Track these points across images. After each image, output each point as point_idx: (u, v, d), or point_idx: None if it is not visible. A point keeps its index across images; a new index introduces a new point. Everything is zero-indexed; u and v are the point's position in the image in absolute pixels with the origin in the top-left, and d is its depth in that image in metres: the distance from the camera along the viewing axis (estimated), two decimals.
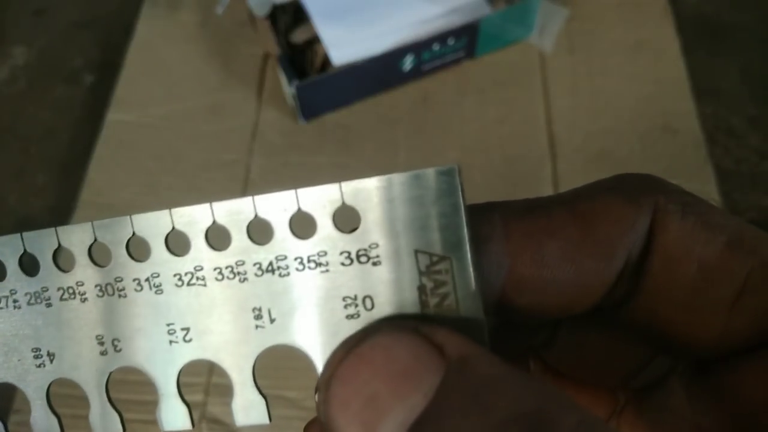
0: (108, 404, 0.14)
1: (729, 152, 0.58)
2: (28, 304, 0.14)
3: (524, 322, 0.15)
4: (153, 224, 0.13)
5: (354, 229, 0.12)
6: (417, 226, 0.12)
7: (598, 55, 0.61)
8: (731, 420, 0.13)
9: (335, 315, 0.13)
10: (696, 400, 0.14)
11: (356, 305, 0.13)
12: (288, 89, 0.55)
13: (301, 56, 0.58)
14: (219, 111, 0.59)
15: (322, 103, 0.58)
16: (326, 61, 0.57)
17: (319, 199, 0.12)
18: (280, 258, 0.13)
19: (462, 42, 0.58)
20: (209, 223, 0.13)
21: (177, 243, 0.13)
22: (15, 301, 0.14)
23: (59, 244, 0.13)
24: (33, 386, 0.14)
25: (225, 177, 0.55)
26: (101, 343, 0.14)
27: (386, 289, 0.13)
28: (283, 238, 0.13)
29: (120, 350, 0.13)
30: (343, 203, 0.12)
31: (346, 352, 0.12)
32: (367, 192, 0.12)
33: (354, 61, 0.56)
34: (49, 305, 0.14)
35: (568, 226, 0.13)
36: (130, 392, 0.14)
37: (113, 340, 0.13)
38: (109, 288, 0.13)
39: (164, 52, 0.63)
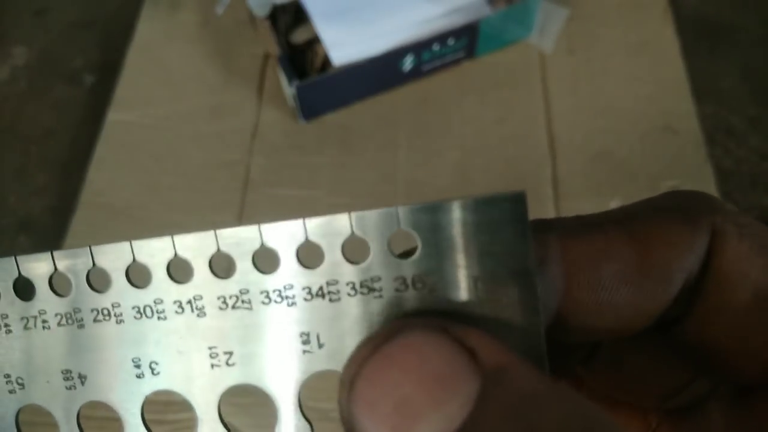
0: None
1: (729, 152, 0.58)
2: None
3: (574, 342, 0.15)
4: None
5: (409, 254, 0.12)
6: (477, 253, 0.12)
7: (598, 56, 0.61)
8: None
9: None
10: (735, 426, 0.14)
11: None
12: (288, 89, 0.56)
13: (301, 56, 0.59)
14: (219, 111, 0.59)
15: (322, 103, 0.58)
16: (326, 62, 0.57)
17: (375, 223, 0.12)
18: (331, 282, 0.12)
19: (462, 42, 0.58)
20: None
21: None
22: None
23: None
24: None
25: (225, 177, 0.56)
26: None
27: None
28: (335, 263, 0.12)
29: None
30: (399, 227, 0.12)
31: (372, 349, 0.11)
32: (426, 216, 0.12)
33: (354, 62, 0.56)
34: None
35: (626, 248, 0.13)
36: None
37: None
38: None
39: (164, 52, 0.63)
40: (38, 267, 0.13)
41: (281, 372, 0.13)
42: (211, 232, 0.13)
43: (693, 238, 0.13)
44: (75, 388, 0.13)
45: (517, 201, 0.11)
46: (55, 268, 0.13)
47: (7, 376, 0.13)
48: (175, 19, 0.65)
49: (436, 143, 0.57)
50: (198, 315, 0.13)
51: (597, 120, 0.57)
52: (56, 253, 0.13)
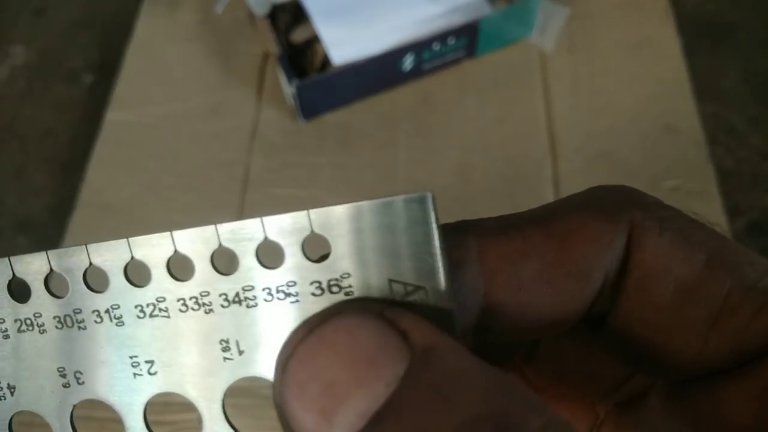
0: None
1: (730, 152, 0.58)
2: None
3: (500, 342, 0.15)
4: (111, 254, 0.13)
5: (324, 258, 0.12)
6: (390, 255, 0.12)
7: (598, 55, 0.61)
8: None
9: None
10: (673, 418, 0.14)
11: None
12: (288, 89, 0.55)
13: (300, 56, 0.58)
14: (218, 110, 0.59)
15: (321, 103, 0.58)
16: (326, 61, 0.57)
17: (288, 227, 0.12)
18: (247, 288, 0.12)
19: (462, 41, 0.58)
20: (171, 252, 0.13)
21: (137, 273, 0.13)
22: None
23: (14, 274, 0.13)
24: None
25: (224, 176, 0.55)
26: (63, 376, 0.13)
27: None
28: (250, 268, 0.12)
29: (83, 383, 0.13)
30: (312, 231, 0.12)
31: (307, 331, 0.11)
32: (337, 219, 0.12)
33: (354, 61, 0.55)
34: (6, 337, 0.13)
35: (543, 247, 0.13)
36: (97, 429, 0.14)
37: (75, 372, 0.13)
38: (68, 320, 0.13)
39: (164, 51, 0.63)
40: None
41: (203, 379, 0.13)
42: (124, 241, 0.13)
43: (611, 234, 0.13)
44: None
45: (423, 202, 0.11)
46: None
47: None
48: (174, 18, 0.65)
49: (436, 142, 0.57)
50: (117, 324, 0.13)
51: (597, 119, 0.57)
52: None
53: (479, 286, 0.13)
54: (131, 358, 0.13)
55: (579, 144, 0.56)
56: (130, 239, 0.13)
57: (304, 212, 0.12)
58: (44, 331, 0.13)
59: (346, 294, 0.12)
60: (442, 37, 0.57)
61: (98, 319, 0.13)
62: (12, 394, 0.13)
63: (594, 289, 0.13)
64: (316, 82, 0.55)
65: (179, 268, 0.13)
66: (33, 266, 0.13)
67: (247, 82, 0.60)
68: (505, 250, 0.13)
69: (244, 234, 0.12)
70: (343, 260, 0.12)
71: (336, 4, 0.58)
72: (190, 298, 0.12)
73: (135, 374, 0.13)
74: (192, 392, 0.13)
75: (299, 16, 0.59)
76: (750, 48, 0.64)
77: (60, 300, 0.13)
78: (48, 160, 0.60)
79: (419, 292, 0.12)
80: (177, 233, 0.12)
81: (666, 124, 0.57)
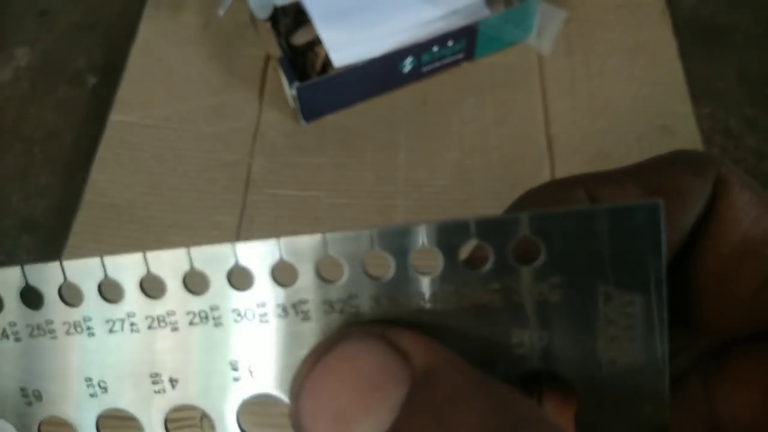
0: None
1: (726, 153, 0.59)
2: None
3: None
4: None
5: (532, 261, 0.12)
6: (606, 262, 0.12)
7: (596, 57, 0.62)
8: (750, 411, 0.14)
9: None
10: (713, 394, 0.14)
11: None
12: (289, 90, 0.56)
13: (302, 58, 0.59)
14: (221, 112, 0.60)
15: (322, 105, 0.58)
16: (327, 63, 0.57)
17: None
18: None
19: (461, 44, 0.59)
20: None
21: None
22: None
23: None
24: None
25: (227, 177, 0.56)
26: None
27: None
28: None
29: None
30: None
31: (314, 361, 0.12)
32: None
33: (354, 63, 0.56)
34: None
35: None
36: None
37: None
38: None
39: (166, 53, 0.63)
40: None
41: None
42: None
43: (701, 187, 0.13)
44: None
45: (653, 210, 0.12)
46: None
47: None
48: (177, 20, 0.65)
49: (436, 144, 0.57)
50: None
51: (595, 121, 0.58)
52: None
53: None
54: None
55: (576, 145, 0.56)
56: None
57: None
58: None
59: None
60: (441, 39, 0.57)
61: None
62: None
63: (680, 239, 0.13)
64: (317, 84, 0.56)
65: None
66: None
67: (249, 84, 0.61)
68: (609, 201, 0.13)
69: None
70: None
71: (337, 7, 0.59)
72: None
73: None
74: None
75: (300, 18, 0.60)
76: (746, 50, 0.64)
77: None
78: (52, 161, 0.61)
79: (633, 300, 0.12)
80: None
81: (663, 126, 0.57)
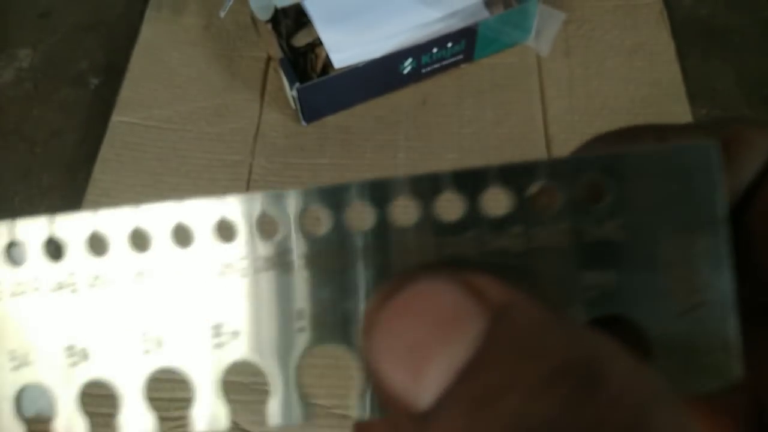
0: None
1: None
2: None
3: None
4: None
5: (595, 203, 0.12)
6: (671, 202, 0.12)
7: (594, 58, 0.62)
8: None
9: None
10: (756, 354, 0.14)
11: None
12: (290, 92, 0.56)
13: (302, 59, 0.59)
14: (222, 113, 0.60)
15: (323, 106, 0.59)
16: (327, 64, 0.58)
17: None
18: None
19: (460, 45, 0.59)
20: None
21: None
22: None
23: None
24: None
25: (228, 177, 0.56)
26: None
27: None
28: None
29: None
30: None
31: (383, 300, 0.12)
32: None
33: (354, 64, 0.56)
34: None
35: None
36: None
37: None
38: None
39: (168, 55, 0.64)
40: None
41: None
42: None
43: (765, 139, 0.14)
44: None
45: (707, 150, 0.12)
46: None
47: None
48: (178, 22, 0.66)
49: (435, 144, 0.58)
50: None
51: (593, 121, 0.58)
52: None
53: None
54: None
55: (575, 145, 0.56)
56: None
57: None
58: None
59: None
60: (441, 41, 0.58)
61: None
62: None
63: (741, 189, 0.14)
64: (318, 85, 0.56)
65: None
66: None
67: (250, 85, 0.61)
68: None
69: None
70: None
71: (337, 8, 0.59)
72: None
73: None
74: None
75: (301, 20, 0.60)
76: (743, 51, 0.65)
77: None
78: (54, 161, 0.61)
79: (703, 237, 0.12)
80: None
81: None
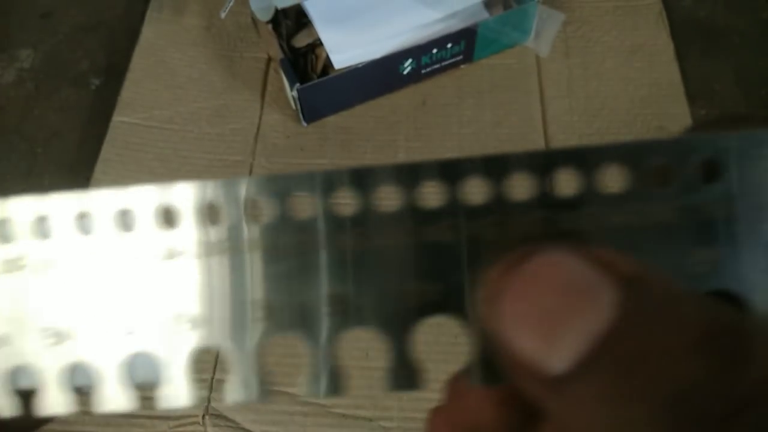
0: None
1: None
2: None
3: None
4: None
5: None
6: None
7: (593, 59, 0.62)
8: None
9: None
10: None
11: None
12: (290, 92, 0.57)
13: (303, 60, 0.60)
14: (223, 113, 0.60)
15: (323, 106, 0.59)
16: (328, 65, 0.58)
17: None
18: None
19: (460, 46, 0.59)
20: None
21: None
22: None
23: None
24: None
25: (229, 177, 0.57)
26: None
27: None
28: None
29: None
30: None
31: (507, 268, 0.12)
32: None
33: (355, 65, 0.57)
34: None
35: None
36: None
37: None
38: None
39: (169, 55, 0.64)
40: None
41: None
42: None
43: None
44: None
45: None
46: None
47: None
48: (179, 23, 0.66)
49: (435, 145, 0.58)
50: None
51: (592, 122, 0.58)
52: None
53: None
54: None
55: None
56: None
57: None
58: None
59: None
60: (440, 42, 0.58)
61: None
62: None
63: None
64: (318, 86, 0.56)
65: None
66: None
67: (251, 85, 0.62)
68: None
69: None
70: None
71: (337, 9, 0.60)
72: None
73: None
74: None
75: (301, 21, 0.61)
76: (742, 51, 0.65)
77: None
78: (56, 161, 0.62)
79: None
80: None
81: (659, 126, 0.58)
